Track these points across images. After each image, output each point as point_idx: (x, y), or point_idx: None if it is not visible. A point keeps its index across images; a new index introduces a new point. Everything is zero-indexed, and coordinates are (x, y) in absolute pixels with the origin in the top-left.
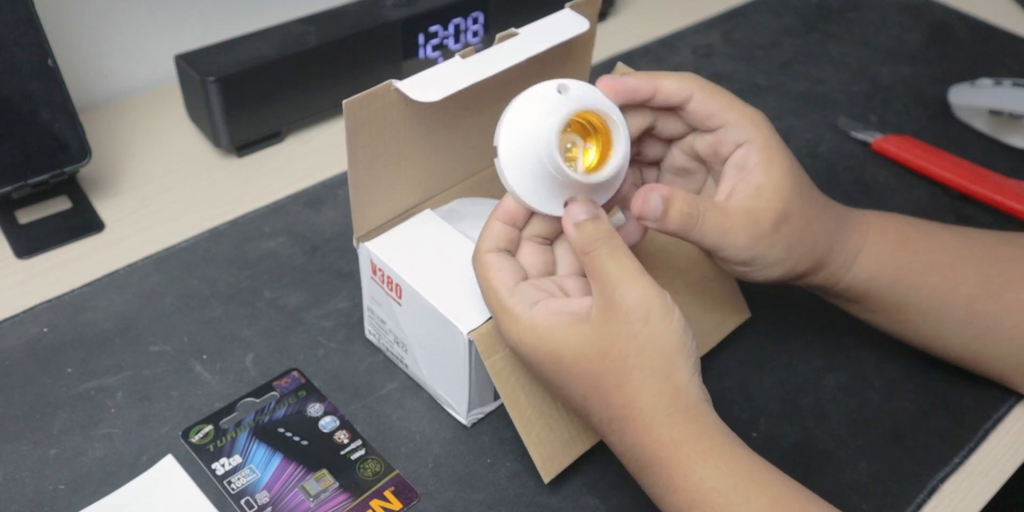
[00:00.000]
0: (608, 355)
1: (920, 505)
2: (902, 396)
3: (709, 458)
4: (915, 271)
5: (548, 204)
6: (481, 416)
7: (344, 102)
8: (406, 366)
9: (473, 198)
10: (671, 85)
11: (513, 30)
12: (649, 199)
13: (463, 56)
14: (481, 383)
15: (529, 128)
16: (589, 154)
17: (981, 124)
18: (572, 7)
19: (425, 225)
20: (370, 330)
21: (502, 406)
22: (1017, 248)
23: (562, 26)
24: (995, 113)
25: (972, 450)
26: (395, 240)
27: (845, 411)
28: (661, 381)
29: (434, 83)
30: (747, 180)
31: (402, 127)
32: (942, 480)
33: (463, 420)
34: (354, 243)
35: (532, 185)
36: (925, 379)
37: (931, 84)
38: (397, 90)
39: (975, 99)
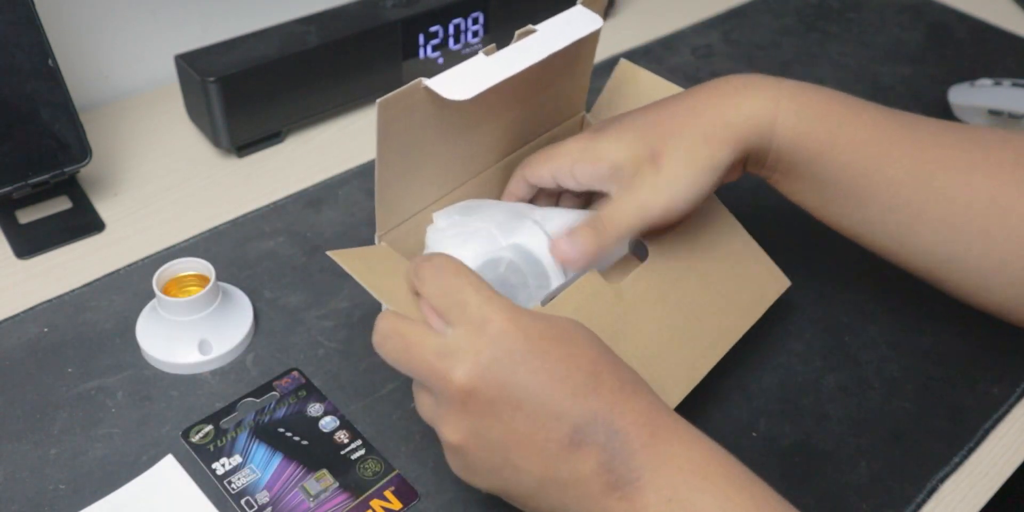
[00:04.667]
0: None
1: (920, 505)
2: (902, 396)
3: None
4: (837, 146)
5: None
6: None
7: (378, 101)
8: None
9: (479, 199)
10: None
11: (531, 27)
12: (564, 250)
13: (487, 53)
14: None
15: None
16: None
17: (981, 124)
18: (582, 4)
19: (441, 224)
20: None
21: None
22: (961, 136)
23: (577, 23)
24: (995, 113)
25: (972, 450)
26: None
27: (845, 411)
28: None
29: (464, 81)
30: (604, 178)
31: (428, 125)
32: (942, 480)
33: None
34: (376, 241)
35: None
36: (925, 379)
37: (931, 84)
38: (427, 88)
39: (975, 99)
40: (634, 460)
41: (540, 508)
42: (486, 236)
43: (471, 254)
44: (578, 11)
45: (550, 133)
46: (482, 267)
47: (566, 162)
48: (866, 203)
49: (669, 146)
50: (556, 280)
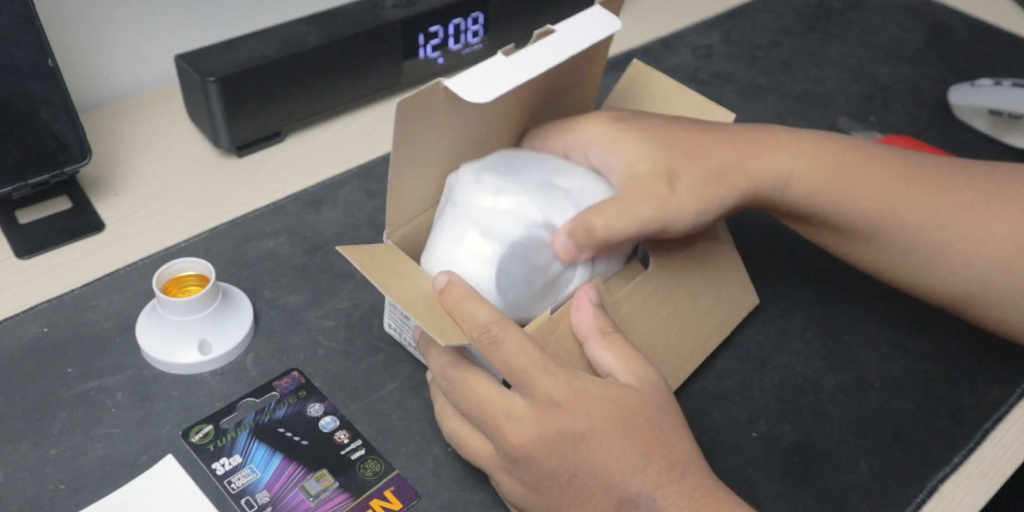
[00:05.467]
0: (663, 408)
1: (920, 505)
2: (902, 396)
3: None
4: (854, 197)
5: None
6: None
7: (398, 102)
8: None
9: (508, 151)
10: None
11: (550, 27)
12: (557, 250)
13: (505, 53)
14: None
15: None
16: None
17: (981, 124)
18: (600, 4)
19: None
20: (390, 324)
21: None
22: (976, 176)
23: (596, 24)
24: (995, 113)
25: (972, 450)
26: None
27: (845, 411)
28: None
29: (484, 82)
30: (613, 170)
31: (443, 125)
32: (942, 480)
33: None
34: (384, 239)
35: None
36: (925, 379)
37: (931, 84)
38: (446, 89)
39: (975, 99)
40: None
41: None
42: (520, 215)
43: (501, 231)
44: (596, 12)
45: None
46: (513, 247)
47: (582, 140)
48: (884, 246)
49: (688, 172)
50: (581, 269)
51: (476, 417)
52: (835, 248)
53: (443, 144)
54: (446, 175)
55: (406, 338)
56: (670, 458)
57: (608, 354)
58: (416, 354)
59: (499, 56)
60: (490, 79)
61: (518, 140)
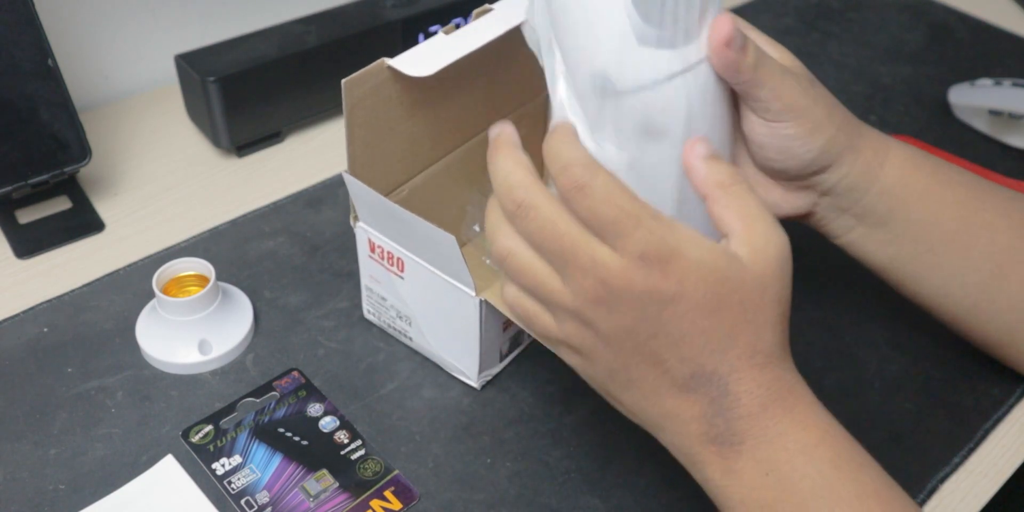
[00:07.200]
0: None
1: (920, 505)
2: (902, 396)
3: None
4: (937, 186)
5: None
6: (489, 378)
7: (343, 81)
8: (410, 339)
9: None
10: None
11: (488, 6)
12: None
13: (446, 32)
14: (490, 344)
15: None
16: None
17: (981, 124)
18: None
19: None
20: (368, 309)
21: (503, 394)
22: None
23: None
24: (995, 113)
25: (972, 450)
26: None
27: (845, 411)
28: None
29: (425, 58)
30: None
31: (393, 104)
32: (942, 480)
33: (474, 383)
34: (351, 222)
35: None
36: (925, 379)
37: (931, 84)
38: (390, 67)
39: (975, 99)
40: (736, 424)
41: (642, 421)
42: None
43: None
44: None
45: (518, 112)
46: None
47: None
48: (956, 255)
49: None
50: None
51: (553, 249)
52: (893, 259)
53: (399, 125)
54: (408, 158)
55: (385, 321)
56: (755, 345)
57: (730, 213)
58: (394, 333)
59: (440, 35)
60: (432, 55)
61: (477, 122)
